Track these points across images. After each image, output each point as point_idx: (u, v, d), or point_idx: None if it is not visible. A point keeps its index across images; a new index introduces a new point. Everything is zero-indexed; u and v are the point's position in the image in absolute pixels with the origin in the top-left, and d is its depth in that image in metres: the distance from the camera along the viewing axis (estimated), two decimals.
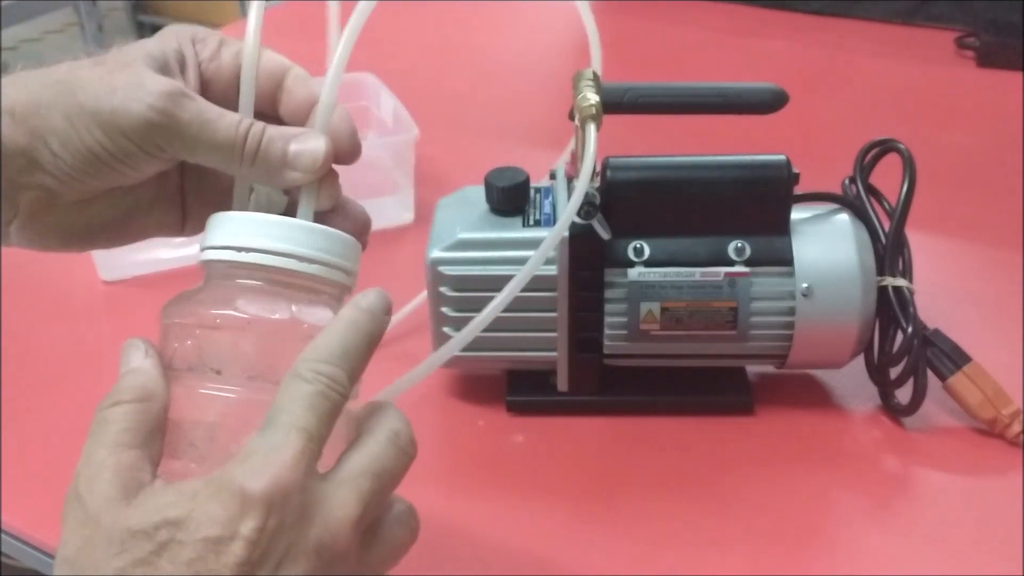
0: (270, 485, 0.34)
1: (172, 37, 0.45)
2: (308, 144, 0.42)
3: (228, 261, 0.40)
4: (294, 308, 0.39)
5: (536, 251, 0.51)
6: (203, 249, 0.41)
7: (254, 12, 0.45)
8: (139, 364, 0.38)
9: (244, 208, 0.44)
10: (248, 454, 0.35)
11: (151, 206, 0.46)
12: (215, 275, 0.41)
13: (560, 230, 0.52)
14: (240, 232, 0.40)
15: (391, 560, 0.38)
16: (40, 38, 3.51)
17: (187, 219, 0.47)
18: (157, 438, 0.37)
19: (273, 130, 0.42)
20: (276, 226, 0.40)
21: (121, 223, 0.45)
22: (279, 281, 0.40)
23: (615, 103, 0.60)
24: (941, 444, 0.63)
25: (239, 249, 0.39)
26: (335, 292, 0.42)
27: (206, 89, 0.45)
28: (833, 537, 0.59)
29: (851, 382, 0.67)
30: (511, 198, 0.63)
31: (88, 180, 0.41)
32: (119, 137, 0.40)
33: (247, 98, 0.44)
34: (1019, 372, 0.65)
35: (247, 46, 0.44)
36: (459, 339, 0.50)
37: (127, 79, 0.40)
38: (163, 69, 0.42)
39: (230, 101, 0.43)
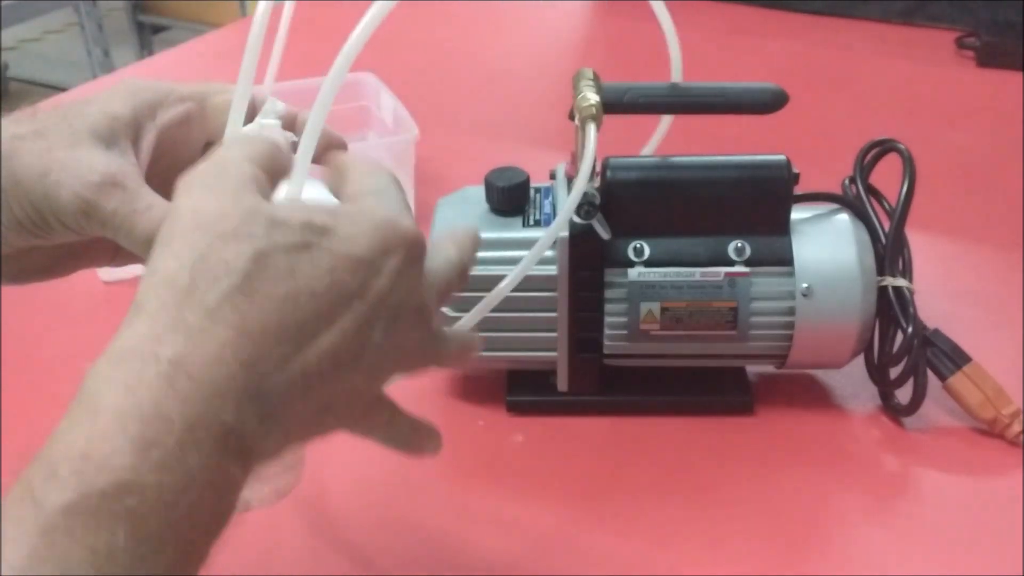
0: (416, 236, 0.36)
1: (129, 102, 0.44)
2: None
3: None
4: None
5: (533, 247, 0.51)
6: None
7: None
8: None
9: None
10: (391, 204, 0.38)
11: (84, 250, 0.47)
12: None
13: (557, 228, 0.52)
14: None
15: (421, 364, 0.41)
16: (40, 38, 3.51)
17: (118, 253, 0.47)
18: (276, 186, 0.38)
19: None
20: None
21: (54, 267, 0.48)
22: None
23: (615, 103, 0.60)
24: (941, 444, 0.63)
25: None
26: None
27: (164, 154, 0.45)
28: (833, 537, 0.59)
29: (851, 382, 0.67)
30: (511, 198, 0.63)
31: (19, 243, 0.43)
32: (48, 216, 0.41)
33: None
34: (1019, 372, 0.65)
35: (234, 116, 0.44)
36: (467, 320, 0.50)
37: (63, 160, 0.41)
38: (109, 142, 0.42)
39: (191, 159, 0.43)
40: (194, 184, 0.35)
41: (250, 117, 0.46)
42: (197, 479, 0.30)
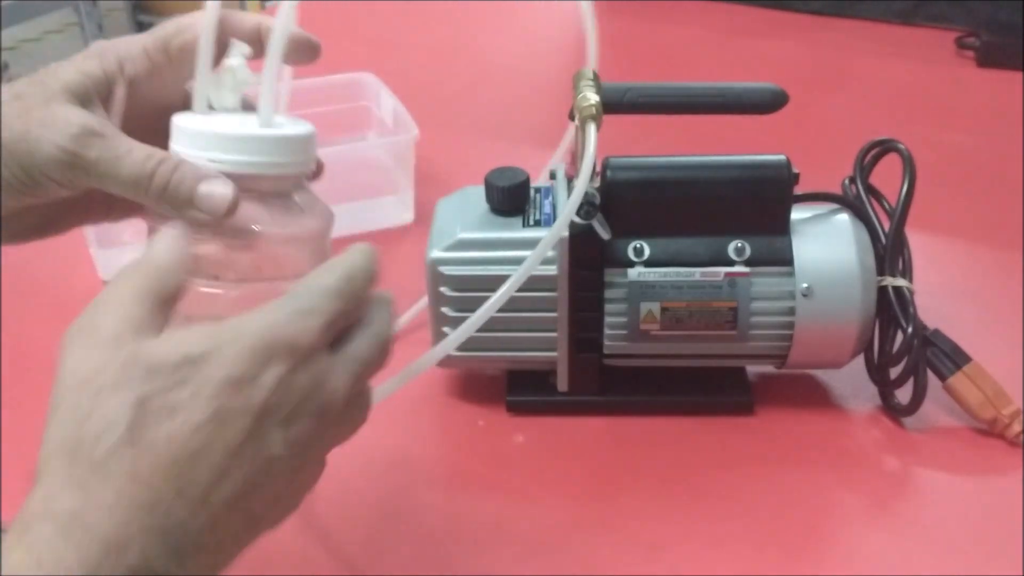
0: (299, 340, 0.36)
1: (96, 60, 0.46)
2: (215, 189, 0.42)
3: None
4: (270, 218, 0.43)
5: (534, 250, 0.51)
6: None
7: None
8: (165, 245, 0.40)
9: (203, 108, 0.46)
10: (275, 309, 0.36)
11: (78, 206, 0.49)
12: None
13: (559, 229, 0.52)
14: (203, 145, 0.43)
15: (345, 436, 0.40)
16: (40, 38, 3.51)
17: (113, 207, 0.50)
18: (166, 311, 0.38)
19: (185, 168, 0.43)
20: (233, 139, 0.43)
21: (51, 224, 0.49)
22: (246, 188, 0.42)
23: (615, 103, 0.60)
24: (941, 444, 0.63)
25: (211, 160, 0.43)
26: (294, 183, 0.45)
27: (137, 106, 0.46)
28: (833, 537, 0.59)
29: (851, 382, 0.67)
30: (511, 198, 0.63)
31: (13, 204, 0.45)
32: (35, 172, 0.44)
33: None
34: (1019, 372, 0.65)
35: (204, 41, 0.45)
36: (456, 335, 0.50)
37: (41, 118, 0.44)
38: (83, 100, 0.45)
39: (169, 105, 0.46)
40: (72, 341, 0.37)
41: (219, 54, 0.47)
42: None
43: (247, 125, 0.44)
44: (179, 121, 0.44)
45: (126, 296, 0.37)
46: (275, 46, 0.44)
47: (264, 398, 0.35)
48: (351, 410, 0.39)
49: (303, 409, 0.36)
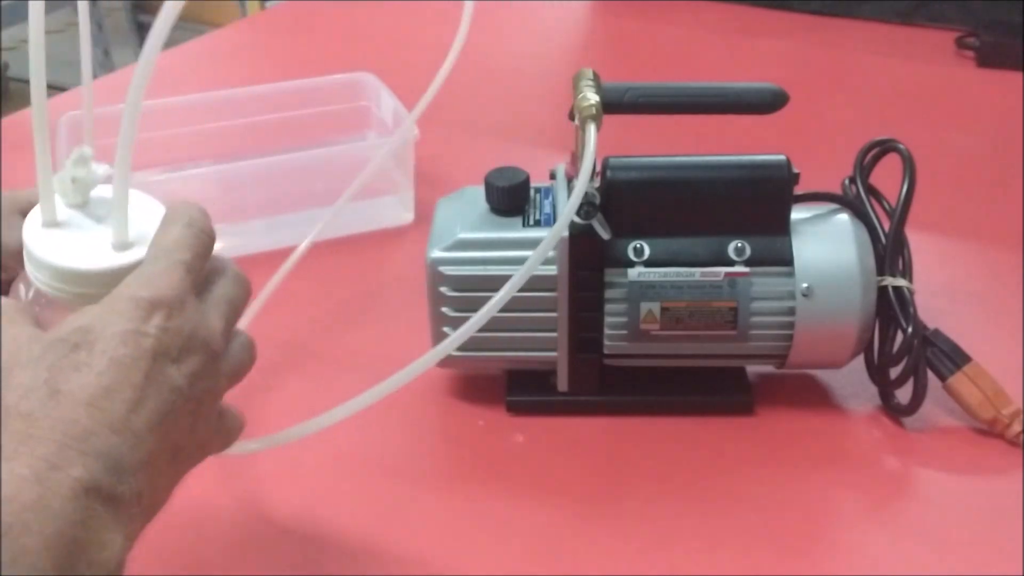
0: (165, 293, 0.42)
1: None
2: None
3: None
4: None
5: (535, 251, 0.51)
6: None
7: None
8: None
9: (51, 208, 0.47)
10: (138, 274, 0.42)
11: None
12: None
13: (559, 229, 0.52)
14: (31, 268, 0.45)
15: (239, 374, 0.46)
16: None
17: None
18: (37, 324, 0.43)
19: None
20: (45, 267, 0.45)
21: None
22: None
23: (615, 103, 0.60)
24: (941, 444, 0.63)
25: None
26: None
27: None
28: (833, 537, 0.59)
29: (851, 382, 0.67)
30: (511, 198, 0.63)
31: None
32: None
33: None
34: (1019, 372, 0.65)
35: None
36: (457, 336, 0.50)
37: None
38: None
39: None
40: None
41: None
42: (60, 515, 0.36)
43: (72, 245, 0.45)
44: (27, 225, 0.46)
45: (9, 314, 0.42)
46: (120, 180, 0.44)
47: (153, 343, 0.40)
48: (233, 346, 0.45)
49: (189, 346, 0.42)
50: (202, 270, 0.44)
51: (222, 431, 0.46)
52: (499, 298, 0.50)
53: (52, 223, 0.46)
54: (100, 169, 0.47)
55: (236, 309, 0.45)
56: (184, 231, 0.44)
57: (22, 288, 0.46)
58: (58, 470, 0.36)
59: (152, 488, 0.40)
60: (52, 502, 0.36)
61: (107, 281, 0.43)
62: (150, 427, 0.39)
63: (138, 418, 0.39)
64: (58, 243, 0.45)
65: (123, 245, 0.45)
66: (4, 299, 0.43)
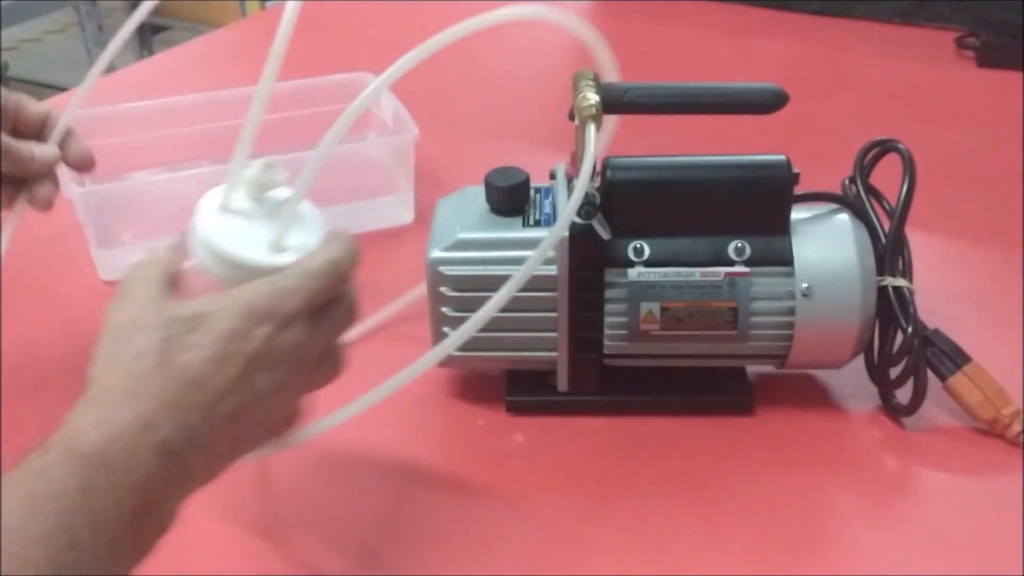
0: (279, 310, 0.46)
1: None
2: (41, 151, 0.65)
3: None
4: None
5: (535, 251, 0.51)
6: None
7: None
8: (167, 247, 0.50)
9: None
10: (267, 283, 0.47)
11: None
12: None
13: (560, 229, 0.52)
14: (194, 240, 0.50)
15: (320, 385, 0.50)
16: (40, 38, 3.51)
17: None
18: (175, 288, 0.48)
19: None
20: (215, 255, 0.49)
21: None
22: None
23: (615, 103, 0.60)
24: (941, 444, 0.63)
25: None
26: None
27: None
28: (833, 537, 0.59)
29: (851, 382, 0.67)
30: (511, 198, 0.63)
31: None
32: None
33: None
34: (1019, 372, 0.65)
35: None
36: (457, 336, 0.50)
37: None
38: None
39: None
40: (114, 305, 0.47)
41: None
42: (147, 464, 0.42)
43: (243, 236, 0.49)
44: (204, 202, 0.50)
45: (151, 275, 0.47)
46: (305, 177, 0.50)
47: (254, 348, 0.45)
48: (324, 364, 0.49)
49: (283, 361, 0.46)
50: (326, 300, 0.48)
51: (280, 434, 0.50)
52: (499, 298, 0.50)
53: (226, 208, 0.50)
54: (282, 176, 0.51)
55: (338, 334, 0.50)
56: (325, 266, 0.48)
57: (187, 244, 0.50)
58: (151, 428, 0.42)
59: (208, 467, 0.45)
60: (142, 452, 0.42)
61: (250, 274, 0.47)
62: (227, 417, 0.45)
63: (220, 407, 0.44)
64: (224, 226, 0.49)
65: (277, 248, 0.49)
66: (160, 257, 0.49)
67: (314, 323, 0.48)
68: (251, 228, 0.49)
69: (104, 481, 0.40)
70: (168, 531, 0.44)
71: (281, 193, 0.51)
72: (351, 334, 0.50)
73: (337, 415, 0.51)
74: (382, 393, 0.50)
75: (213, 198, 0.50)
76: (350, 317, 0.50)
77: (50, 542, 0.39)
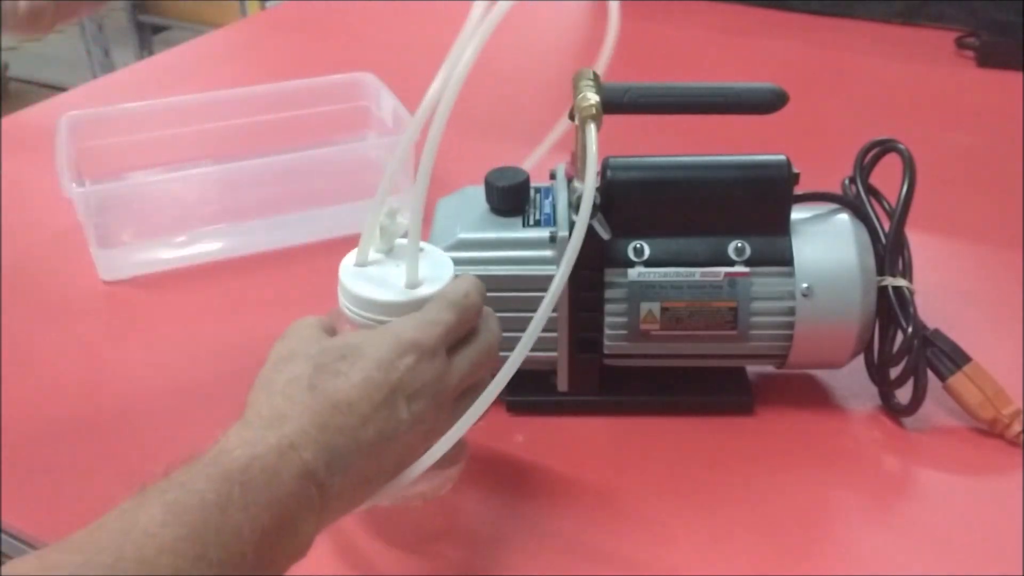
0: (424, 341, 0.49)
1: None
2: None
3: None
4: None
5: (560, 268, 0.51)
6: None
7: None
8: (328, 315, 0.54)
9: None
10: (412, 317, 0.50)
11: None
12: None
13: (578, 239, 0.51)
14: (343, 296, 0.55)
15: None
16: (40, 38, 3.51)
17: None
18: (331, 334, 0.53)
19: None
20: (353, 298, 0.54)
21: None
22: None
23: (615, 103, 0.60)
24: (941, 444, 0.63)
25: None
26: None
27: None
28: (833, 537, 0.59)
29: (851, 382, 0.67)
30: (511, 198, 0.63)
31: None
32: None
33: None
34: (1019, 372, 0.65)
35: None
36: (512, 362, 0.50)
37: None
38: None
39: None
40: (277, 344, 0.51)
41: None
42: (286, 484, 0.44)
43: (381, 279, 0.55)
44: (344, 262, 0.56)
45: (311, 321, 0.52)
46: (415, 230, 0.53)
47: (399, 376, 0.48)
48: (462, 404, 0.51)
49: (424, 391, 0.49)
50: (463, 332, 0.52)
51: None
52: (534, 325, 0.51)
53: (363, 263, 0.55)
54: (404, 221, 0.55)
55: (475, 371, 0.52)
56: (459, 299, 0.52)
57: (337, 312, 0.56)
58: (295, 449, 0.44)
59: (349, 494, 0.47)
60: (283, 472, 0.43)
61: (391, 312, 0.52)
62: (369, 443, 0.47)
63: (363, 432, 0.46)
64: (363, 278, 0.54)
65: (412, 285, 0.53)
66: (319, 316, 0.53)
67: (454, 357, 0.51)
68: (386, 273, 0.55)
69: (241, 498, 0.42)
70: (301, 557, 0.45)
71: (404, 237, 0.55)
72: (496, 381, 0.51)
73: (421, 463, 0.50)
74: (454, 435, 0.50)
75: (350, 257, 0.56)
76: (487, 356, 0.53)
77: (178, 553, 0.40)
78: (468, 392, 0.52)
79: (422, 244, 0.55)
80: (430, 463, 0.50)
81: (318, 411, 0.46)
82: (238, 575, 0.41)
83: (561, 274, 0.52)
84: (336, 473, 0.45)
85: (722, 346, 0.63)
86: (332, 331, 0.53)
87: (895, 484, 0.62)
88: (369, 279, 0.54)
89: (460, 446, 0.55)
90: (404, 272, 0.54)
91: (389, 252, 0.56)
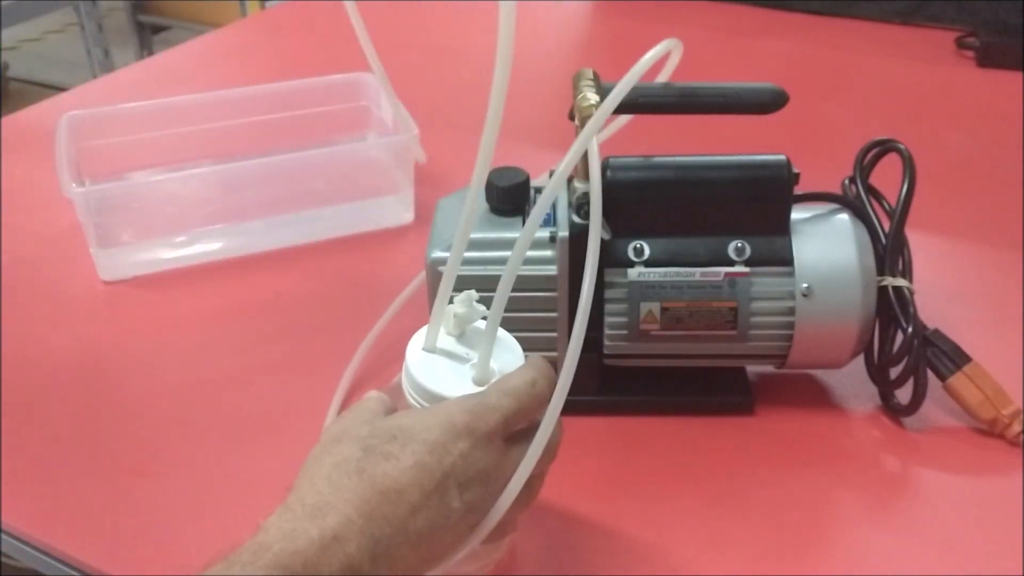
0: (479, 426, 0.46)
1: None
2: None
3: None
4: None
5: (586, 279, 0.50)
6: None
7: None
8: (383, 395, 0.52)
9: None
10: (468, 399, 0.48)
11: None
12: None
13: (595, 246, 0.50)
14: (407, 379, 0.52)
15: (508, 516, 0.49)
16: (40, 38, 3.51)
17: None
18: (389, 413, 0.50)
19: None
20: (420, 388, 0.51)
21: None
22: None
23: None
24: (941, 444, 0.63)
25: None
26: None
27: None
28: (833, 537, 0.59)
29: (851, 382, 0.67)
30: (511, 198, 0.63)
31: None
32: None
33: None
34: (1019, 372, 0.65)
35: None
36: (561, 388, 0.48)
37: None
38: None
39: None
40: (333, 424, 0.49)
41: None
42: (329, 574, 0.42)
43: (449, 368, 0.52)
44: (412, 344, 0.53)
45: (370, 403, 0.50)
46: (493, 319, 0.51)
47: (452, 462, 0.45)
48: (517, 497, 0.48)
49: (477, 479, 0.46)
50: (522, 422, 0.49)
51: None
52: (574, 343, 0.48)
53: (432, 348, 0.53)
54: (480, 308, 0.53)
55: (538, 472, 0.49)
56: (523, 386, 0.49)
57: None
58: (339, 542, 0.42)
59: None
60: (326, 566, 0.41)
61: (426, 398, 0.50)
62: (419, 533, 0.44)
63: (413, 521, 0.44)
64: (430, 365, 0.52)
65: (482, 382, 0.50)
66: (379, 394, 0.52)
67: (511, 446, 0.48)
68: (455, 363, 0.52)
69: None
70: None
71: (480, 323, 0.53)
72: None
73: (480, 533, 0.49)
74: (518, 482, 0.48)
75: (419, 339, 0.53)
76: (548, 455, 0.49)
77: None
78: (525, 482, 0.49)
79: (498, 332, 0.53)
80: (475, 543, 0.48)
81: (366, 499, 0.43)
82: None
83: (588, 276, 0.49)
84: (381, 566, 0.43)
85: (722, 346, 0.63)
86: (392, 411, 0.50)
87: (895, 484, 0.62)
88: (437, 368, 0.51)
89: (509, 523, 0.52)
90: (475, 364, 0.51)
91: (460, 337, 0.54)
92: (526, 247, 0.50)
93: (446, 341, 0.53)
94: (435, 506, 0.45)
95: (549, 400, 0.48)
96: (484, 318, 0.52)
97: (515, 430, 0.48)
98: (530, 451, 0.47)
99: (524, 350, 0.64)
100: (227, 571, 0.40)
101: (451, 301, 0.53)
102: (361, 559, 0.42)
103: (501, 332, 0.53)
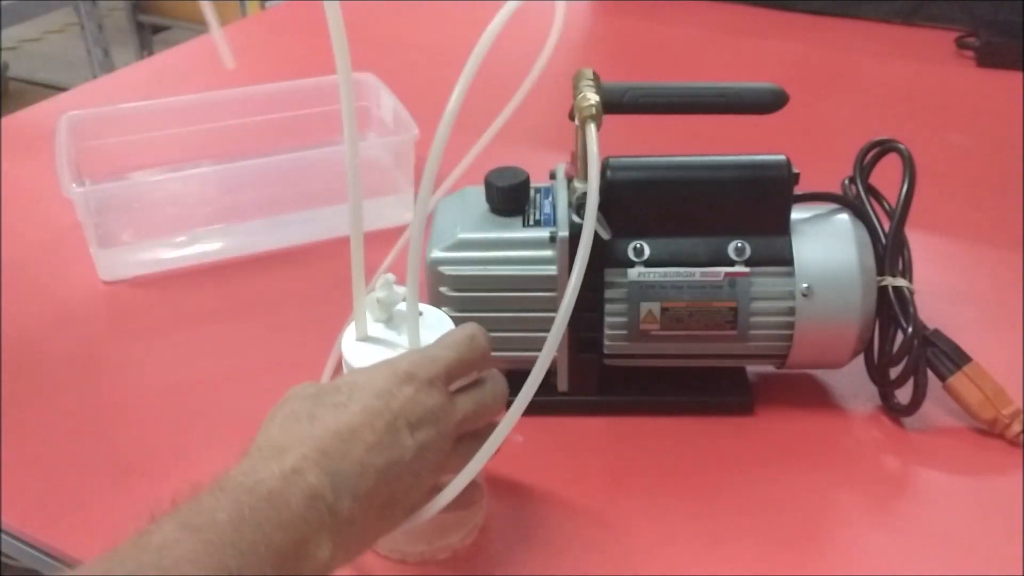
0: (422, 373, 0.49)
1: None
2: None
3: None
4: None
5: (571, 280, 0.50)
6: None
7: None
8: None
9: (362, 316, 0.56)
10: (412, 352, 0.51)
11: None
12: None
13: (586, 245, 0.50)
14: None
15: (455, 470, 0.51)
16: (40, 38, 3.51)
17: None
18: None
19: None
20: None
21: None
22: None
23: (615, 103, 0.60)
24: (941, 444, 0.63)
25: None
26: None
27: None
28: (833, 537, 0.59)
29: (851, 382, 0.67)
30: (511, 198, 0.63)
31: None
32: None
33: None
34: (1019, 372, 0.65)
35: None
36: (525, 393, 0.50)
37: None
38: None
39: None
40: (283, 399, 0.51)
41: None
42: (293, 508, 0.44)
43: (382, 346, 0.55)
44: (345, 336, 0.55)
45: (305, 383, 0.51)
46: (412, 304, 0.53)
47: (399, 404, 0.48)
48: (462, 445, 0.51)
49: (426, 419, 0.48)
50: (464, 372, 0.51)
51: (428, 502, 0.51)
52: (550, 341, 0.50)
53: (364, 337, 0.55)
54: (400, 290, 0.55)
55: (479, 414, 0.52)
56: (463, 339, 0.52)
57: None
58: (298, 474, 0.44)
59: (363, 521, 0.46)
60: (290, 497, 0.43)
61: None
62: (376, 468, 0.46)
63: (368, 457, 0.46)
64: (365, 352, 0.54)
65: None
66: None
67: (459, 395, 0.51)
68: (389, 347, 0.54)
69: (252, 517, 0.42)
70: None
71: (401, 304, 0.55)
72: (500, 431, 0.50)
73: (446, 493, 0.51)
74: (476, 465, 0.50)
75: (350, 332, 0.55)
76: (493, 400, 0.52)
77: (198, 563, 0.40)
78: (473, 436, 0.51)
79: (421, 307, 0.55)
80: (449, 500, 0.50)
81: (319, 438, 0.46)
82: None
83: (575, 276, 0.50)
84: (344, 496, 0.45)
85: (722, 346, 0.63)
86: None
87: (895, 484, 0.62)
88: (373, 355, 0.53)
89: (475, 488, 0.55)
90: (406, 340, 0.54)
91: (388, 321, 0.56)
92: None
93: (376, 328, 0.56)
94: (388, 444, 0.47)
95: (489, 353, 0.52)
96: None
97: (456, 378, 0.51)
98: (478, 396, 0.51)
99: (524, 350, 0.64)
100: (197, 500, 0.42)
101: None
102: (323, 488, 0.44)
103: (429, 309, 0.56)
